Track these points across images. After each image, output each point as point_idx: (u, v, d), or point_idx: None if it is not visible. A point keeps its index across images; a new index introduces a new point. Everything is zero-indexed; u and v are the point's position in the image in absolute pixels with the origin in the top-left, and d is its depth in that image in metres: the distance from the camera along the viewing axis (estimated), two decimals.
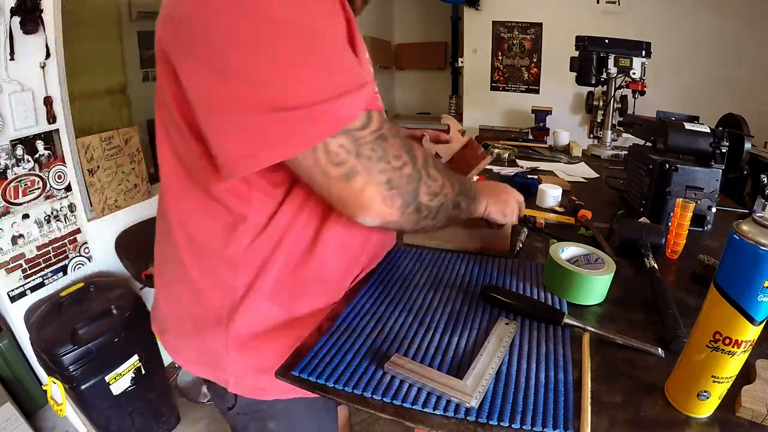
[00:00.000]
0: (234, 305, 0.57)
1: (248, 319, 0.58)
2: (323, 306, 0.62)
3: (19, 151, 1.22)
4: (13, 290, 1.28)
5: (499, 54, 3.11)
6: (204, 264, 0.58)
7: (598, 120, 1.89)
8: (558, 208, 1.04)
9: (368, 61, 0.63)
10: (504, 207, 0.69)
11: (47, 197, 1.32)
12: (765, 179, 0.98)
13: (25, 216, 1.27)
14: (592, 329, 0.54)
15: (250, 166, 0.44)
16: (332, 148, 0.44)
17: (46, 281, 1.35)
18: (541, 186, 1.08)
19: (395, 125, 0.51)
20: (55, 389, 1.29)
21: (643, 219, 0.89)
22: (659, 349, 0.51)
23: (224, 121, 0.43)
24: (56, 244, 1.37)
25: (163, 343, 0.69)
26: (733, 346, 0.38)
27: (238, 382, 0.61)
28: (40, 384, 1.42)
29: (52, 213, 1.34)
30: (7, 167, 1.20)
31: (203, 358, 0.63)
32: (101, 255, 1.52)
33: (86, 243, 1.46)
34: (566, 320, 0.55)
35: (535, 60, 3.04)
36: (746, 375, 0.47)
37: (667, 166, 0.90)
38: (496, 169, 1.44)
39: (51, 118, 1.30)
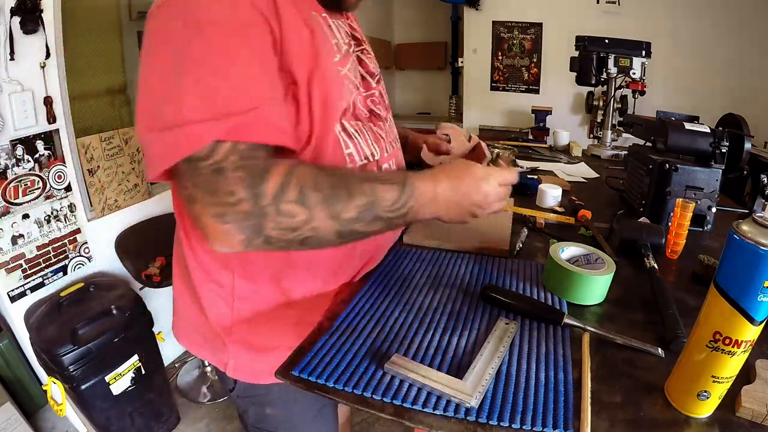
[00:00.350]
0: (231, 288, 0.62)
1: (247, 304, 0.63)
2: (319, 291, 0.64)
3: (19, 151, 1.22)
4: (13, 290, 1.28)
5: (499, 54, 3.11)
6: (198, 254, 0.63)
7: (598, 120, 1.89)
8: (558, 208, 1.04)
9: (353, 61, 0.62)
10: (462, 214, 0.59)
11: (47, 197, 1.32)
12: (765, 179, 0.98)
13: (25, 216, 1.27)
14: (592, 329, 0.54)
15: (149, 176, 0.48)
16: (180, 171, 0.45)
17: (46, 281, 1.35)
18: (541, 186, 1.08)
19: (263, 158, 0.47)
20: (55, 389, 1.28)
21: (643, 219, 0.89)
22: (659, 349, 0.51)
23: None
24: (56, 244, 1.37)
25: (173, 327, 0.75)
26: (733, 346, 0.38)
27: (237, 365, 0.65)
28: (40, 384, 1.42)
29: (52, 213, 1.34)
30: (7, 167, 1.20)
31: (205, 339, 0.68)
32: (101, 255, 1.52)
33: (86, 243, 1.46)
34: (566, 320, 0.55)
35: (535, 60, 3.04)
36: (746, 375, 0.47)
37: (667, 166, 0.90)
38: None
39: (51, 118, 1.30)
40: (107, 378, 1.30)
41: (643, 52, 1.70)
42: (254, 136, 0.46)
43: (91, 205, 1.49)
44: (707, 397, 0.41)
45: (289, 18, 0.51)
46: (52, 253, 1.36)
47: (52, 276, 1.37)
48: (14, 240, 1.25)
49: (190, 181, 0.45)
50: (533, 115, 2.79)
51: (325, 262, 0.64)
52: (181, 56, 0.45)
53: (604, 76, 1.73)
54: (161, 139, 0.44)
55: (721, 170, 0.90)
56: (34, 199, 1.28)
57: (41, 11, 1.21)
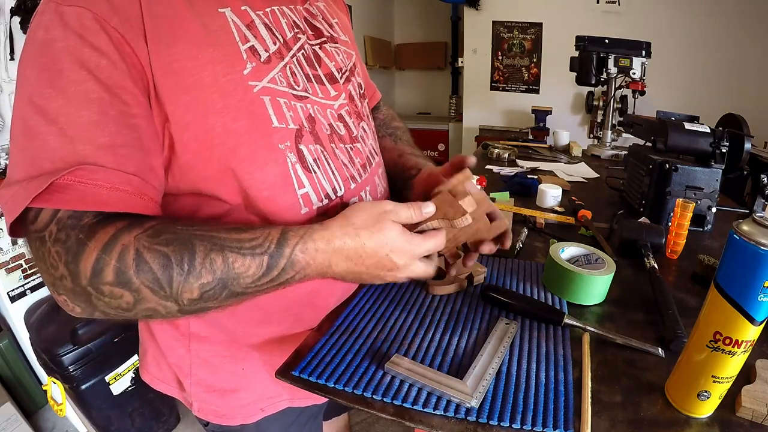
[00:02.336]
0: (187, 330, 0.56)
1: (206, 345, 0.56)
2: (283, 334, 0.57)
3: None
4: (13, 290, 1.28)
5: (499, 54, 3.12)
6: None
7: (598, 120, 1.90)
8: (558, 208, 1.04)
9: (293, 65, 0.49)
10: (368, 280, 0.48)
11: None
12: (765, 179, 0.98)
13: None
14: (592, 329, 0.54)
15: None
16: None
17: None
18: (541, 186, 1.08)
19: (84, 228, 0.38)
20: (55, 389, 1.29)
21: (643, 219, 0.89)
22: (659, 349, 0.51)
23: None
24: None
25: (140, 365, 0.67)
26: (733, 346, 0.38)
27: (201, 407, 0.59)
28: (40, 384, 1.42)
29: None
30: (7, 167, 1.19)
31: (169, 379, 0.62)
32: None
33: None
34: (566, 320, 0.55)
35: (535, 60, 3.04)
36: (746, 375, 0.47)
37: (667, 166, 0.90)
38: (496, 169, 1.44)
39: None
40: (107, 378, 1.30)
41: (643, 52, 1.70)
42: (74, 202, 0.37)
43: None
44: (707, 397, 0.41)
45: (165, 28, 0.40)
46: None
47: None
48: (14, 240, 1.25)
49: (26, 241, 0.40)
50: (533, 115, 2.80)
51: (277, 309, 0.55)
52: (19, 93, 0.39)
53: (604, 76, 1.73)
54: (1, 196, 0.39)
55: (721, 170, 0.90)
56: None
57: None
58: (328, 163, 0.52)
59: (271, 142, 0.46)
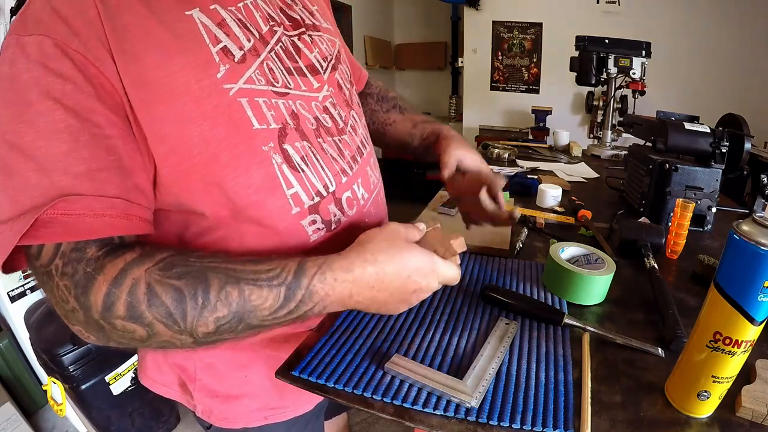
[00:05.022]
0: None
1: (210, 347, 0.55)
2: (292, 332, 0.57)
3: None
4: (13, 290, 1.28)
5: (499, 54, 3.12)
6: None
7: (598, 120, 1.90)
8: (558, 208, 1.04)
9: (270, 61, 0.47)
10: (388, 310, 0.47)
11: None
12: (765, 179, 0.98)
13: None
14: (592, 329, 0.54)
15: None
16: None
17: None
18: (541, 186, 1.08)
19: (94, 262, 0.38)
20: (55, 389, 1.29)
21: (643, 219, 0.89)
22: (659, 349, 0.51)
23: None
24: None
25: (138, 369, 0.66)
26: (733, 346, 0.38)
27: (205, 410, 0.59)
28: (40, 384, 1.42)
29: None
30: None
31: (171, 381, 0.61)
32: None
33: None
34: (566, 320, 0.55)
35: (535, 60, 3.04)
36: (746, 375, 0.47)
37: (667, 166, 0.90)
38: (496, 169, 1.44)
39: None
40: (107, 378, 1.30)
41: (643, 52, 1.70)
42: (61, 235, 0.37)
43: None
44: (707, 397, 0.41)
45: (130, 41, 0.39)
46: None
47: None
48: None
49: (34, 276, 0.40)
50: (533, 115, 2.80)
51: None
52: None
53: (604, 76, 1.73)
54: None
55: (721, 170, 0.90)
56: None
57: None
58: (317, 159, 0.50)
59: (253, 145, 0.45)
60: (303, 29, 0.54)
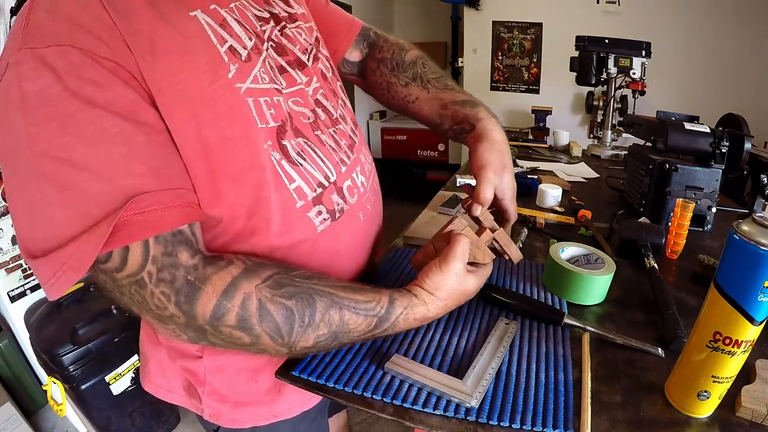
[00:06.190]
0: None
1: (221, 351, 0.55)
2: None
3: None
4: (13, 290, 1.28)
5: (499, 54, 3.12)
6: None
7: (598, 120, 1.89)
8: (558, 208, 1.04)
9: (267, 59, 0.47)
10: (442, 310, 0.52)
11: None
12: (765, 179, 0.98)
13: None
14: (592, 329, 0.54)
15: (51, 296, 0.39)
16: (98, 282, 0.40)
17: None
18: (541, 186, 1.08)
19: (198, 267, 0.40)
20: (55, 389, 1.29)
21: (643, 219, 0.89)
22: (659, 349, 0.51)
23: None
24: None
25: (141, 374, 0.65)
26: (733, 346, 0.38)
27: (213, 413, 0.58)
28: (40, 384, 1.42)
29: None
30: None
31: (176, 385, 0.60)
32: None
33: None
34: (566, 320, 0.55)
35: (535, 60, 3.04)
36: (746, 375, 0.47)
37: (667, 166, 0.90)
38: None
39: None
40: (107, 378, 1.30)
41: (643, 52, 1.70)
42: (137, 234, 0.37)
43: None
44: (707, 397, 0.41)
45: (146, 45, 0.38)
46: None
47: None
48: (14, 240, 1.25)
49: (114, 293, 0.40)
50: (533, 115, 2.79)
51: None
52: (26, 156, 0.35)
53: (604, 76, 1.73)
54: (47, 265, 0.37)
55: (721, 170, 0.90)
56: None
57: None
58: (315, 152, 0.51)
59: (257, 144, 0.45)
60: (283, 23, 0.53)
